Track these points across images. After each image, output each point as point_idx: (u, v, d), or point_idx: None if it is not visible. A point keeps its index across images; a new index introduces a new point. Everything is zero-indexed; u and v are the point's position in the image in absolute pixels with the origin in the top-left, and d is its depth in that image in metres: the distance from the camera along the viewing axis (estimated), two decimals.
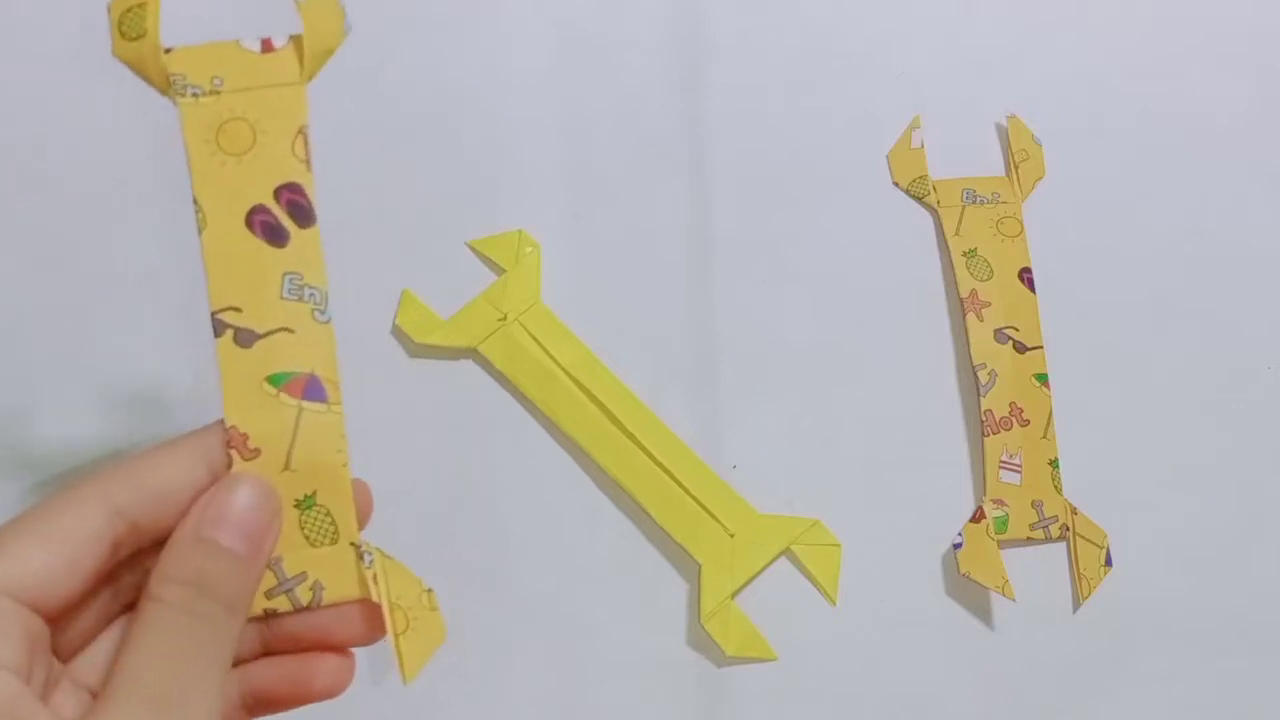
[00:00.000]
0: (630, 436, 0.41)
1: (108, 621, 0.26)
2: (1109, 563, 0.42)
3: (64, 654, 0.26)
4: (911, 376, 0.43)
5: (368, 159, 0.43)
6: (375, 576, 0.28)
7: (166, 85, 0.28)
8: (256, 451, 0.27)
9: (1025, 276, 0.43)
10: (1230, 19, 0.47)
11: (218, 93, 0.27)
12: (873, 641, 0.42)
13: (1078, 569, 0.42)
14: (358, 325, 0.42)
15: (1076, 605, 0.42)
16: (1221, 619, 0.43)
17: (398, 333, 0.42)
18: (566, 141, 0.44)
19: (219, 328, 0.27)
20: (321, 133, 0.27)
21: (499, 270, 0.43)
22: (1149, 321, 0.44)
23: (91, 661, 0.26)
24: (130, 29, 0.28)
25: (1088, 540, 0.42)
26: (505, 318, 0.42)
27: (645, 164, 0.44)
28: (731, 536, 0.41)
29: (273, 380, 0.27)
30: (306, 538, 0.27)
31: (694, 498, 0.41)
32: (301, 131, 0.27)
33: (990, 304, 0.43)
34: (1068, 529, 0.42)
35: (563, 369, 0.42)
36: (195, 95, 0.27)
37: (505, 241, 0.43)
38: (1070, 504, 0.42)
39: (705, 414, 0.43)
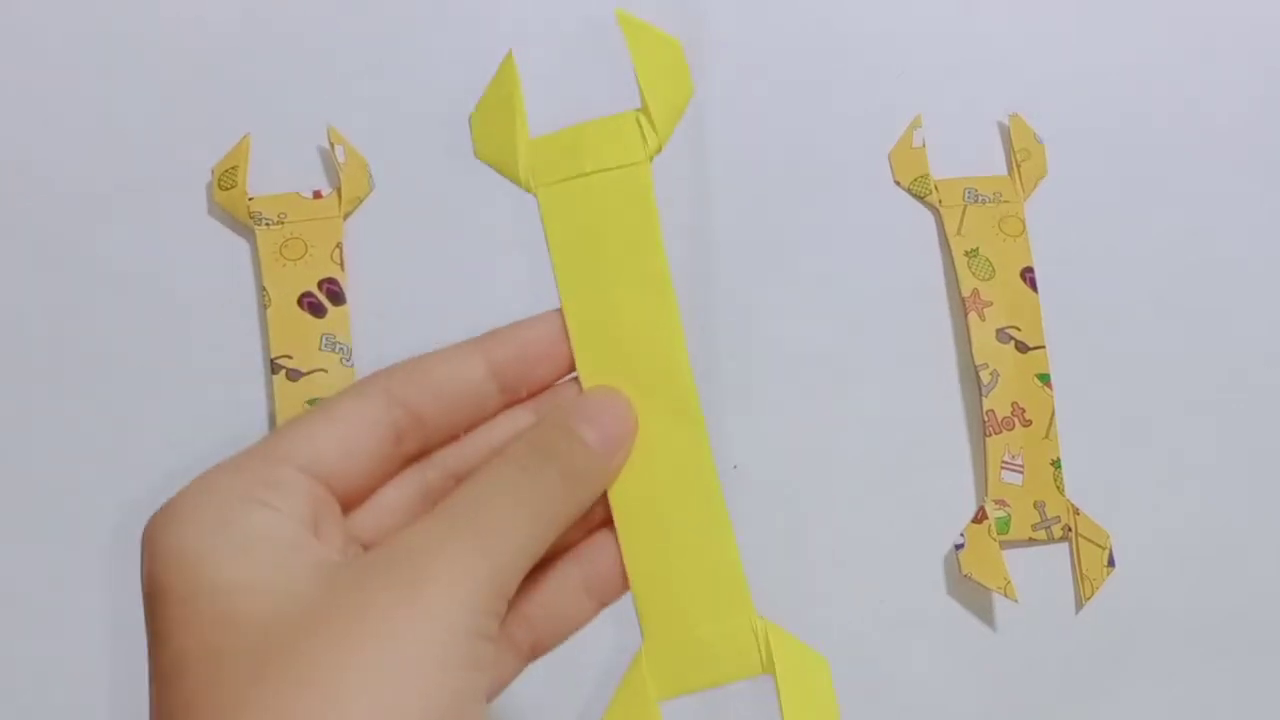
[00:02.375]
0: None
1: (405, 517, 0.27)
2: (1111, 564, 0.42)
3: (364, 542, 0.27)
4: (912, 376, 0.43)
5: (371, 158, 0.44)
6: None
7: (248, 219, 0.43)
8: None
9: (1027, 276, 0.43)
10: (1232, 19, 0.46)
11: (282, 223, 0.43)
12: (873, 641, 0.42)
13: (1080, 570, 0.42)
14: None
15: (1079, 606, 0.42)
16: (1221, 619, 0.43)
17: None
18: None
19: (275, 368, 0.41)
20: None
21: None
22: (1151, 321, 0.44)
23: (370, 512, 0.27)
24: (226, 183, 0.43)
25: (1090, 541, 0.42)
26: (585, 171, 0.31)
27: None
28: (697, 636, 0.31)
29: (311, 402, 0.40)
30: None
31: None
32: (338, 245, 0.42)
33: (992, 303, 0.43)
34: (1070, 530, 0.42)
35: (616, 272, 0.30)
36: (267, 224, 0.43)
37: (659, 47, 0.32)
38: (1073, 504, 0.42)
39: (705, 414, 0.43)
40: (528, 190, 0.31)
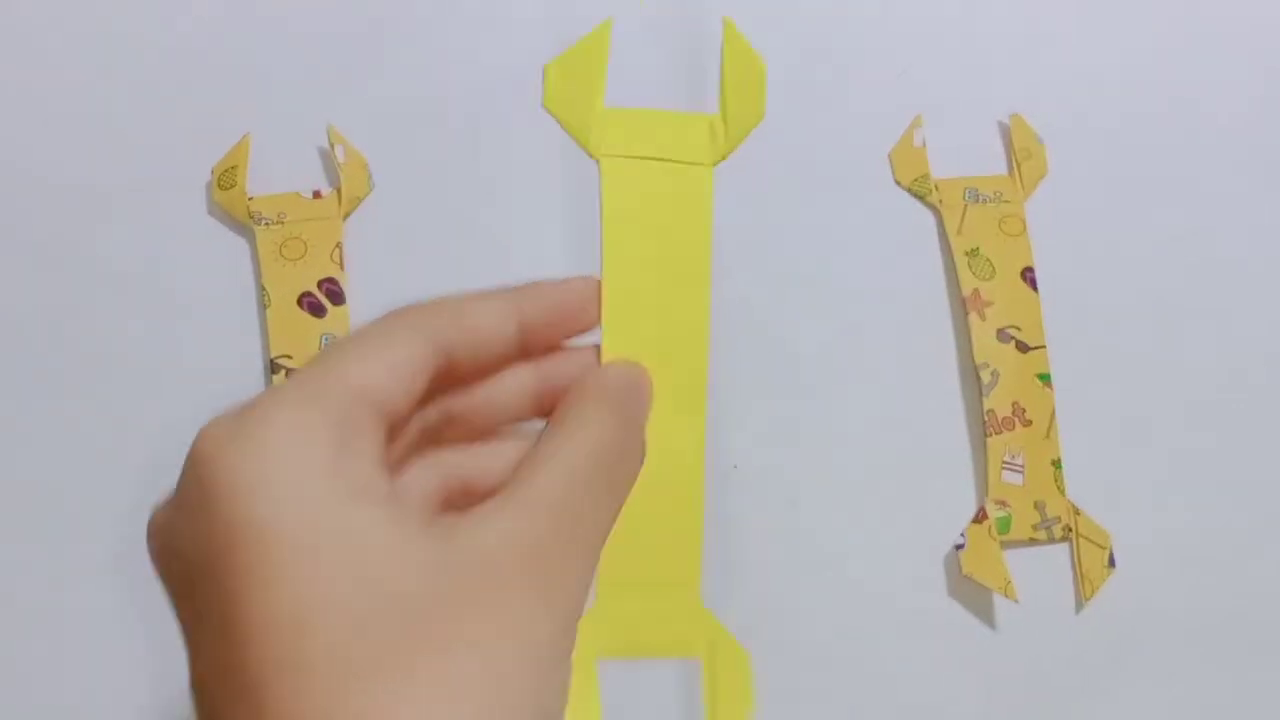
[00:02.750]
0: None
1: (410, 454, 0.27)
2: (1112, 564, 0.42)
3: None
4: (912, 376, 0.43)
5: (370, 158, 0.44)
6: None
7: (248, 218, 0.42)
8: None
9: (1028, 276, 0.43)
10: (1233, 19, 0.46)
11: (282, 223, 0.42)
12: (873, 641, 0.42)
13: (1080, 570, 0.42)
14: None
15: (1079, 606, 0.42)
16: (1221, 619, 0.43)
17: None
18: (565, 140, 0.44)
19: (275, 368, 0.41)
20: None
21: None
22: (1152, 321, 0.44)
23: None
24: (226, 182, 0.43)
25: (1091, 541, 0.42)
26: (648, 154, 0.34)
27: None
28: (648, 599, 0.34)
29: None
30: None
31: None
32: (338, 245, 0.42)
33: (992, 303, 0.43)
34: (1070, 530, 0.42)
35: (658, 256, 0.33)
36: (267, 224, 0.42)
37: (746, 60, 0.37)
38: (1073, 504, 0.42)
39: (706, 413, 0.43)
40: (591, 154, 0.34)
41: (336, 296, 0.42)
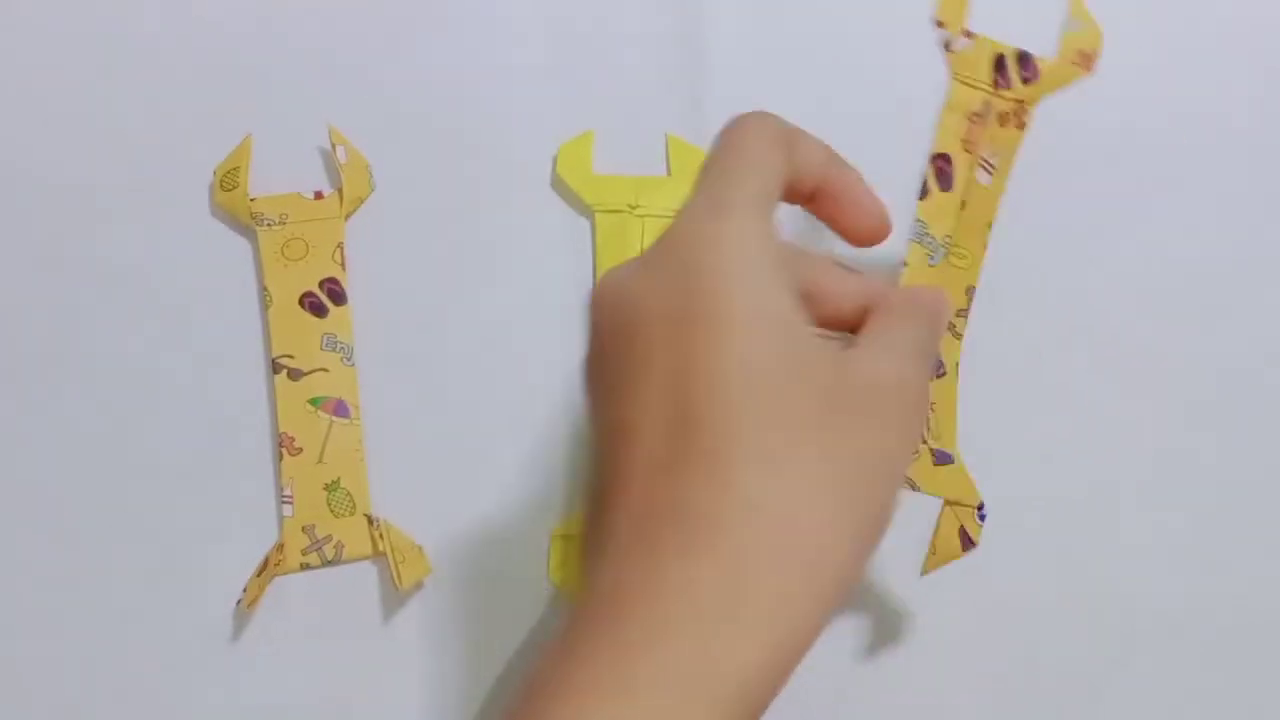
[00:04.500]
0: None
1: None
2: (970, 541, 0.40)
3: None
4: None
5: (371, 158, 0.44)
6: (381, 535, 0.40)
7: (250, 219, 0.43)
8: (300, 449, 0.41)
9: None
10: (1234, 18, 0.46)
11: (284, 223, 0.43)
12: (871, 641, 0.42)
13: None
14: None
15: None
16: (1222, 619, 0.43)
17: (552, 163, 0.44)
18: (564, 140, 0.44)
19: (277, 368, 0.42)
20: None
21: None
22: (1151, 321, 0.44)
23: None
24: (228, 184, 0.43)
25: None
26: (636, 207, 0.43)
27: (644, 164, 0.44)
28: None
29: (313, 402, 0.42)
30: (332, 511, 0.41)
31: None
32: (339, 245, 0.43)
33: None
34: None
35: None
36: (269, 225, 0.43)
37: (691, 155, 0.44)
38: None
39: None
40: (590, 208, 0.43)
41: (338, 296, 0.43)
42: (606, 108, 0.45)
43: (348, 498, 0.41)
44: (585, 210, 0.44)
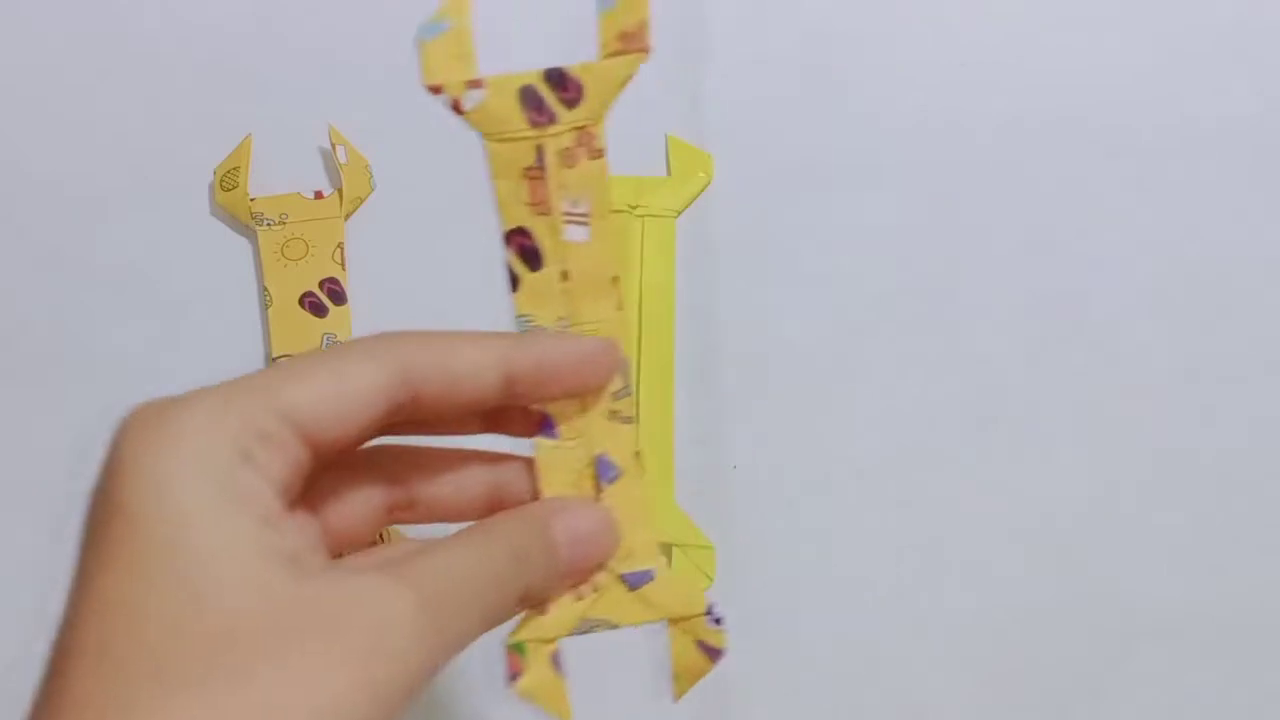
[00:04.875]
0: (636, 371, 0.42)
1: (348, 463, 0.28)
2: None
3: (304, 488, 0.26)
4: (912, 376, 0.43)
5: (371, 158, 0.44)
6: (381, 536, 0.39)
7: (250, 219, 0.43)
8: None
9: None
10: (1234, 19, 0.46)
11: (284, 223, 0.43)
12: (873, 641, 0.42)
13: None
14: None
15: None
16: (1221, 619, 0.43)
17: None
18: None
19: None
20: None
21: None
22: (1150, 320, 0.44)
23: (330, 492, 0.27)
24: (228, 184, 0.43)
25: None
26: (636, 207, 0.43)
27: (644, 164, 0.44)
28: None
29: None
30: None
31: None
32: (339, 246, 0.43)
33: None
34: None
35: (640, 280, 0.43)
36: (269, 225, 0.43)
37: (691, 155, 0.44)
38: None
39: (705, 414, 0.43)
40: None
41: (338, 296, 0.43)
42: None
43: None
44: None
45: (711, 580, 0.42)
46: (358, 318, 0.43)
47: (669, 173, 0.44)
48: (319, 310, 0.42)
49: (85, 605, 0.22)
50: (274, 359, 0.42)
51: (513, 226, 0.30)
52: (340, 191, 0.43)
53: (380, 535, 0.41)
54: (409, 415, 0.26)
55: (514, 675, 0.30)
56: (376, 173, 0.44)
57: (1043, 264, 0.44)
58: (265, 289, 0.42)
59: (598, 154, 0.31)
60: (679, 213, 0.43)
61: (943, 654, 0.42)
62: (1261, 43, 0.46)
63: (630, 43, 0.31)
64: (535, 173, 0.31)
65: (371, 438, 0.27)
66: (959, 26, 0.46)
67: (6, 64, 0.45)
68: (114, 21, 0.45)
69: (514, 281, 0.30)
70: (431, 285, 0.44)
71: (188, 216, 0.44)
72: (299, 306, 0.42)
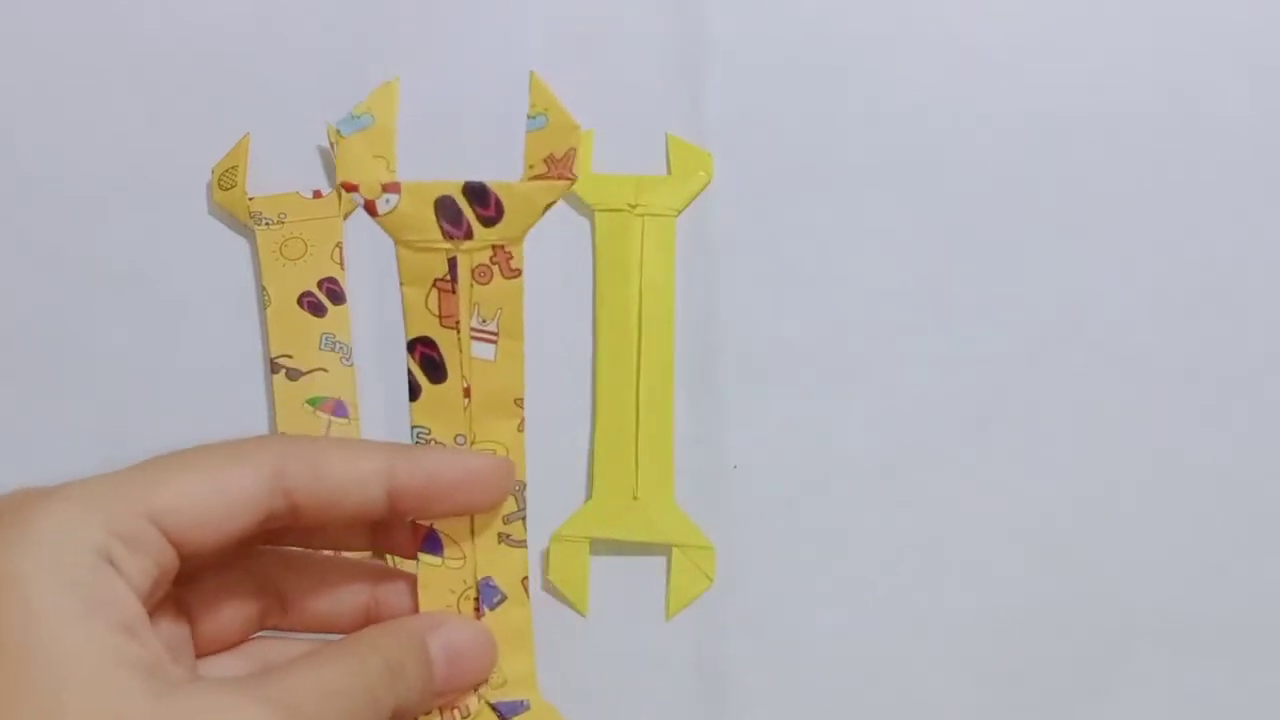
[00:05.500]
0: (636, 371, 0.42)
1: (221, 567, 0.27)
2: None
3: (173, 586, 0.26)
4: (912, 376, 0.43)
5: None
6: None
7: (248, 218, 0.42)
8: None
9: None
10: (1234, 19, 0.46)
11: (283, 223, 0.42)
12: (873, 641, 0.42)
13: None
14: None
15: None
16: (1222, 619, 0.43)
17: None
18: None
19: (275, 368, 0.41)
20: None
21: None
22: (1151, 320, 0.44)
23: (202, 594, 0.27)
24: (226, 183, 0.43)
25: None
26: (636, 206, 0.43)
27: (644, 163, 0.44)
28: (635, 499, 0.42)
29: (311, 402, 0.41)
30: None
31: (638, 449, 0.42)
32: (338, 245, 0.42)
33: None
34: None
35: (640, 280, 0.43)
36: (267, 224, 0.42)
37: (691, 154, 0.44)
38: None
39: (705, 414, 0.43)
40: (590, 208, 0.43)
41: (337, 296, 0.43)
42: (606, 108, 0.45)
43: None
44: (585, 209, 0.44)
45: (711, 580, 0.42)
46: (356, 318, 0.43)
47: (669, 172, 0.44)
48: (318, 310, 0.42)
49: None
50: (272, 359, 0.42)
51: (417, 335, 0.29)
52: (339, 191, 0.43)
53: None
54: (289, 523, 0.26)
55: None
56: None
57: (1043, 264, 0.44)
58: (264, 288, 0.42)
59: (514, 274, 0.30)
60: (679, 212, 0.43)
61: (943, 654, 0.42)
62: (1262, 42, 0.46)
63: (556, 168, 0.30)
64: (445, 285, 0.30)
65: (247, 542, 0.26)
66: (960, 26, 0.46)
67: (6, 64, 0.45)
68: (114, 21, 0.45)
69: (414, 391, 0.29)
70: None
71: (186, 216, 0.44)
72: (298, 306, 0.42)
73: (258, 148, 0.43)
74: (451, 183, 0.30)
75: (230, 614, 0.27)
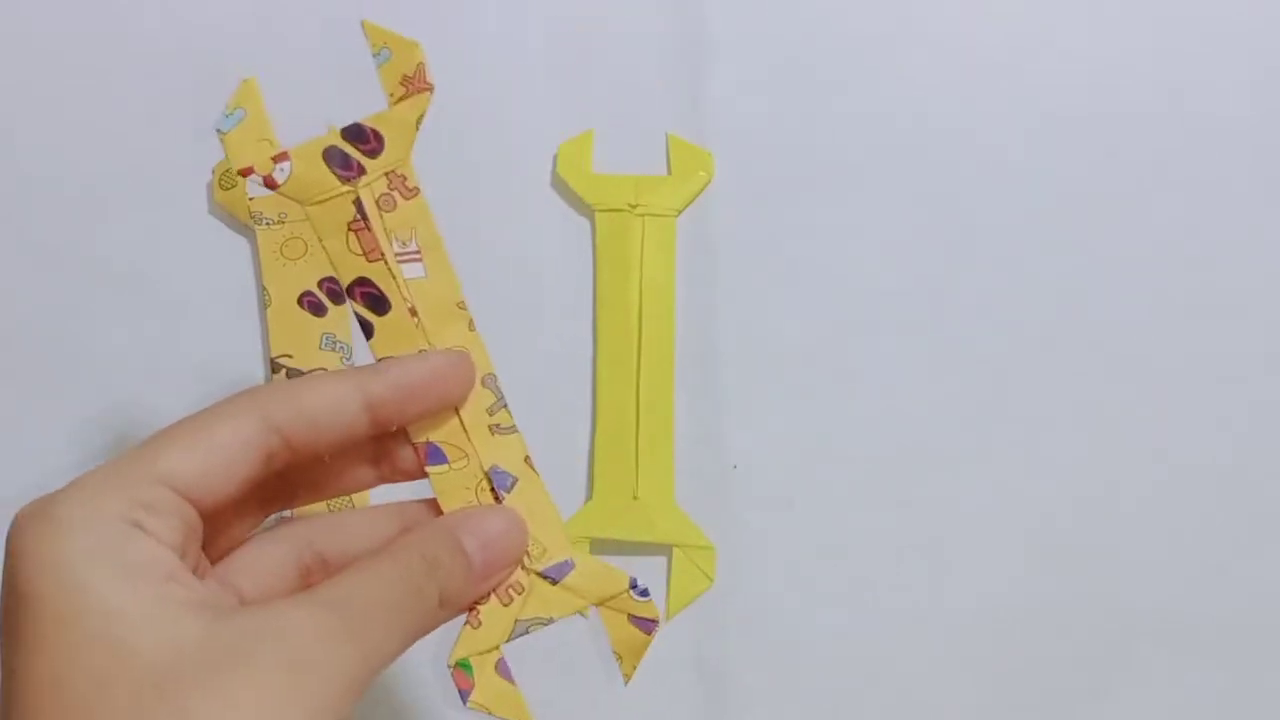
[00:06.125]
0: (636, 370, 0.42)
1: (253, 528, 0.29)
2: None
3: (212, 555, 0.28)
4: (912, 376, 0.43)
5: None
6: None
7: (249, 218, 0.42)
8: None
9: None
10: (1234, 19, 0.46)
11: (283, 222, 0.42)
12: (873, 641, 0.42)
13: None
14: None
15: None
16: (1221, 619, 0.43)
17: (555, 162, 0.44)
18: (564, 140, 0.44)
19: (276, 367, 0.41)
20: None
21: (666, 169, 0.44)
22: (1151, 320, 0.44)
23: (240, 564, 0.28)
24: (226, 183, 0.43)
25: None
26: (636, 206, 0.43)
27: (644, 163, 0.44)
28: (635, 499, 0.42)
29: None
30: (331, 511, 0.39)
31: (638, 449, 0.42)
32: None
33: None
34: None
35: (640, 280, 0.43)
36: (268, 224, 0.42)
37: (691, 154, 0.44)
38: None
39: (705, 414, 0.43)
40: (590, 208, 0.43)
41: (337, 296, 0.43)
42: (606, 108, 0.45)
43: (346, 499, 0.41)
44: (585, 209, 0.44)
45: (712, 580, 0.42)
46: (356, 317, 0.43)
47: (669, 171, 0.44)
48: (318, 309, 0.42)
49: (14, 695, 0.24)
50: (273, 359, 0.42)
51: (352, 279, 0.31)
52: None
53: None
54: (289, 460, 0.28)
55: (465, 692, 0.31)
56: None
57: (1043, 264, 0.44)
58: (264, 288, 0.42)
59: (413, 192, 0.32)
60: (679, 212, 0.43)
61: (943, 654, 0.42)
62: (1262, 42, 0.46)
63: (412, 85, 0.33)
64: (358, 224, 0.31)
65: (257, 490, 0.28)
66: (960, 26, 0.46)
67: (6, 64, 0.45)
68: (114, 21, 0.45)
69: (367, 330, 0.31)
70: None
71: (186, 215, 0.44)
72: (298, 306, 0.42)
73: None
74: (329, 133, 0.32)
75: (274, 582, 0.28)
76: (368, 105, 0.44)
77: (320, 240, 0.31)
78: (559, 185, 0.44)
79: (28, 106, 0.44)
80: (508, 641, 0.31)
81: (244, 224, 0.43)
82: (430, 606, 0.28)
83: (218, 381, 0.43)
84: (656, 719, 0.41)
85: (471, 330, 0.32)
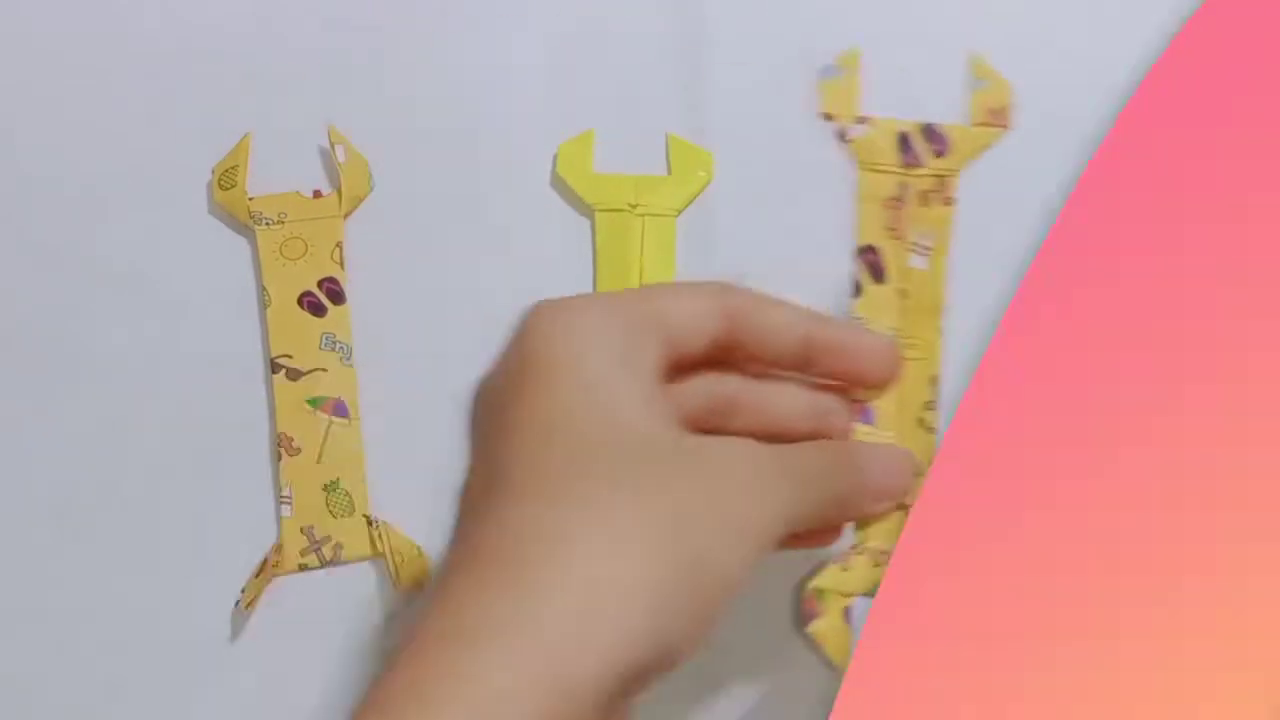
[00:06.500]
0: None
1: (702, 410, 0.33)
2: None
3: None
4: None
5: (371, 158, 0.44)
6: (380, 536, 0.40)
7: (248, 218, 0.42)
8: (299, 450, 0.41)
9: None
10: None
11: (283, 222, 0.42)
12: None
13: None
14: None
15: None
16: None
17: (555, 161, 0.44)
18: (564, 140, 0.44)
19: (275, 368, 0.42)
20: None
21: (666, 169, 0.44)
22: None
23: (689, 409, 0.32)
24: (226, 182, 0.43)
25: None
26: (636, 206, 0.43)
27: (644, 163, 0.44)
28: None
29: (311, 402, 0.41)
30: (331, 511, 0.41)
31: None
32: (338, 245, 0.43)
33: None
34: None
35: (639, 278, 0.43)
36: (268, 224, 0.42)
37: (692, 153, 0.44)
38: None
39: None
40: (590, 208, 0.43)
41: (337, 296, 0.43)
42: (606, 108, 0.45)
43: (347, 498, 0.41)
44: (585, 209, 0.44)
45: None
46: (356, 318, 0.43)
47: (669, 172, 0.44)
48: (318, 310, 0.42)
49: (508, 442, 0.28)
50: (273, 359, 0.42)
51: (866, 243, 0.38)
52: (339, 191, 0.43)
53: None
54: (726, 355, 0.32)
55: (809, 617, 0.36)
56: (376, 172, 0.44)
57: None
58: (264, 288, 0.42)
59: (949, 201, 0.38)
60: (679, 211, 0.43)
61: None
62: None
63: (997, 118, 0.40)
64: (895, 204, 0.38)
65: (698, 362, 0.32)
66: (960, 26, 0.46)
67: (6, 64, 0.45)
68: (114, 21, 0.45)
69: (856, 288, 0.38)
70: (431, 285, 0.44)
71: (186, 215, 0.44)
72: (298, 306, 0.42)
73: (258, 148, 0.43)
74: (911, 122, 0.40)
75: (698, 405, 0.32)
76: (367, 105, 0.44)
77: (857, 200, 0.38)
78: (559, 185, 0.44)
79: (28, 106, 0.44)
80: (863, 595, 0.35)
81: (244, 224, 0.43)
82: (841, 492, 0.32)
83: (218, 382, 0.43)
84: (656, 719, 0.41)
85: (939, 334, 0.38)
